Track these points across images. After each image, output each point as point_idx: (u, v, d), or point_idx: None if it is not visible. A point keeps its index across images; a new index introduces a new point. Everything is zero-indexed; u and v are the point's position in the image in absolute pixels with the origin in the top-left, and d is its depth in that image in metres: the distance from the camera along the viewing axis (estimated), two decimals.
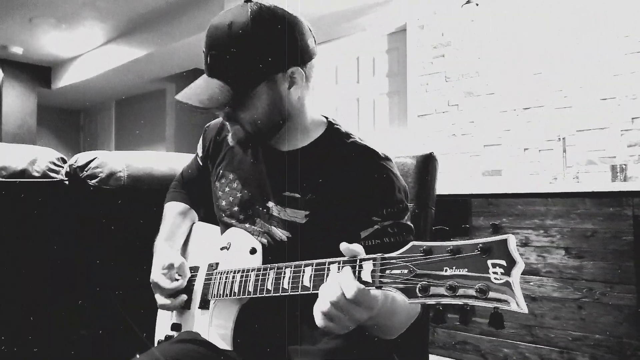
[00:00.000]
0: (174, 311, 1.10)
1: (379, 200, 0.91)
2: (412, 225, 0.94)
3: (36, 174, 1.25)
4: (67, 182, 1.32)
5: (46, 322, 1.28)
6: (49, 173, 1.28)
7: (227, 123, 0.96)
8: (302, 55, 0.93)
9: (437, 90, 3.62)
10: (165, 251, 1.09)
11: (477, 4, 3.36)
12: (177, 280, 1.04)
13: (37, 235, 1.26)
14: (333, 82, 4.48)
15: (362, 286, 0.68)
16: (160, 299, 1.04)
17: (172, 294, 1.04)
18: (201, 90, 0.90)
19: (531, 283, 2.41)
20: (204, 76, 0.92)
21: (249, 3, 0.90)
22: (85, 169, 1.34)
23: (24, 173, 1.23)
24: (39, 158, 1.27)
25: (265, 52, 0.88)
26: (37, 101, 6.67)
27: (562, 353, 2.31)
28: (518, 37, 3.25)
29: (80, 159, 1.36)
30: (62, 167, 1.33)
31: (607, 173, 2.81)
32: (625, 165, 2.67)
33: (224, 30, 0.88)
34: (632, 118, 2.83)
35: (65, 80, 6.48)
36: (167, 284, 1.02)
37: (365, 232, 0.90)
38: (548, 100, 3.11)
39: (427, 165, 1.30)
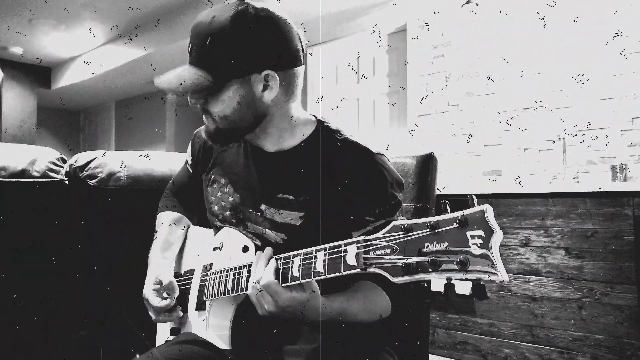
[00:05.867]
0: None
1: (371, 199, 0.91)
2: (404, 219, 0.93)
3: (36, 174, 1.25)
4: (67, 182, 1.32)
5: (46, 322, 1.28)
6: (49, 173, 1.28)
7: (203, 116, 0.98)
8: (280, 61, 0.92)
9: (437, 90, 3.62)
10: (158, 265, 1.09)
11: (477, 4, 3.36)
12: (166, 299, 1.03)
13: (37, 235, 1.26)
14: (333, 82, 4.48)
15: (273, 280, 0.79)
16: (151, 314, 1.04)
17: (161, 311, 1.03)
18: (177, 77, 0.91)
19: (532, 283, 2.41)
20: (185, 65, 0.94)
21: (236, 2, 0.91)
22: (85, 169, 1.34)
23: (24, 173, 1.23)
24: (39, 158, 1.27)
25: (240, 51, 0.89)
26: (36, 102, 6.67)
27: (562, 353, 2.31)
28: (518, 37, 3.25)
29: (80, 159, 1.36)
30: (62, 167, 1.33)
31: (607, 173, 2.81)
32: (625, 165, 2.67)
33: (205, 24, 0.90)
34: (632, 118, 2.83)
35: (65, 80, 6.48)
36: (156, 302, 1.02)
37: (357, 233, 0.90)
38: (548, 100, 3.11)
39: (427, 165, 1.29)
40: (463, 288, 2.56)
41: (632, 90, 2.83)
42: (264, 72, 0.90)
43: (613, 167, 2.67)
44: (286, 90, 0.95)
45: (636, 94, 2.81)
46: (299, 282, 0.79)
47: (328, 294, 0.85)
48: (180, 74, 0.91)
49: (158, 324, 1.16)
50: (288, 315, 0.82)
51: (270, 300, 0.80)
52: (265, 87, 0.92)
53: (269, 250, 0.85)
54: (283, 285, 0.80)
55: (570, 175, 2.97)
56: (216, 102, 0.92)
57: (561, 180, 2.94)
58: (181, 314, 1.04)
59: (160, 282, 1.03)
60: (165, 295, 1.03)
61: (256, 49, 0.89)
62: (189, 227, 1.22)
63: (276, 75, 0.91)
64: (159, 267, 1.08)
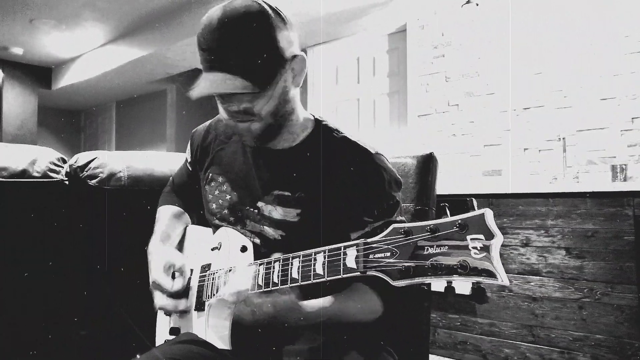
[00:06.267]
0: (172, 315, 1.09)
1: (370, 200, 0.91)
2: (403, 219, 0.94)
3: (36, 174, 1.25)
4: (67, 182, 1.32)
5: (46, 322, 1.28)
6: (49, 173, 1.28)
7: (239, 123, 0.92)
8: (297, 46, 0.93)
9: (437, 90, 3.62)
10: (164, 251, 1.08)
11: (477, 4, 3.36)
12: (179, 280, 1.02)
13: (37, 235, 1.26)
14: (333, 82, 4.48)
15: (247, 289, 0.81)
16: (161, 300, 1.01)
17: (173, 294, 1.02)
18: (219, 81, 0.85)
19: (532, 283, 2.41)
20: (212, 73, 0.86)
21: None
22: (86, 169, 1.34)
23: (24, 173, 1.23)
24: (39, 158, 1.27)
25: (280, 37, 0.88)
26: (37, 102, 6.67)
27: (562, 353, 2.31)
28: (518, 37, 3.25)
29: (80, 159, 1.36)
30: (62, 167, 1.33)
31: (607, 173, 2.81)
32: (625, 165, 2.66)
33: (238, 17, 0.84)
34: (632, 118, 2.83)
35: (65, 80, 6.48)
36: (168, 283, 1.00)
37: (356, 234, 0.90)
38: (548, 100, 3.11)
39: (427, 165, 1.29)
40: (463, 288, 2.55)
41: (632, 90, 2.82)
42: (296, 55, 0.91)
43: (613, 167, 2.67)
44: (296, 78, 0.95)
45: (636, 94, 2.81)
46: (276, 287, 0.80)
47: (311, 296, 0.86)
48: (221, 79, 0.85)
49: (157, 323, 1.16)
50: (268, 322, 0.83)
51: (249, 310, 0.82)
52: (294, 73, 0.92)
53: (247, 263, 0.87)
54: (262, 291, 0.81)
55: (570, 175, 2.97)
56: (265, 99, 0.89)
57: (561, 180, 2.94)
58: (187, 302, 1.02)
59: (173, 265, 1.02)
60: (177, 275, 1.02)
61: (288, 34, 0.90)
62: (187, 225, 1.22)
63: (304, 56, 0.92)
64: (167, 251, 1.06)
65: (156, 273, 1.02)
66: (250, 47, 0.85)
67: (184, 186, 1.23)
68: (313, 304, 0.86)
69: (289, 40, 0.90)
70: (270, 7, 0.89)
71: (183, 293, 1.03)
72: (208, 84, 0.85)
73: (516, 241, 2.46)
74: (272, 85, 0.88)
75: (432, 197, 1.31)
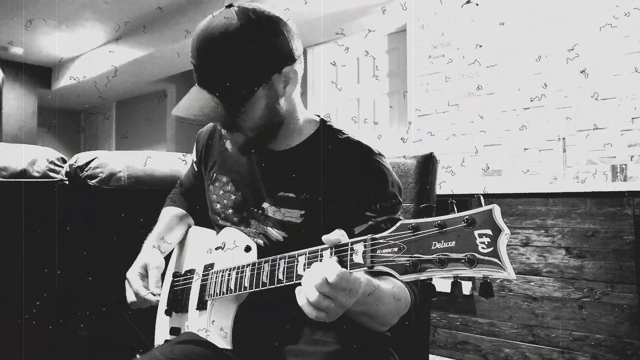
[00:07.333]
0: (172, 315, 1.09)
1: (373, 195, 0.91)
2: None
3: (36, 174, 1.25)
4: (67, 182, 1.32)
5: (46, 323, 1.28)
6: (49, 173, 1.28)
7: (225, 132, 0.95)
8: (291, 54, 0.91)
9: (437, 90, 3.62)
10: (149, 252, 1.08)
11: (477, 4, 3.36)
12: (146, 284, 1.01)
13: (37, 235, 1.26)
14: (333, 82, 4.48)
15: (343, 269, 0.69)
16: (130, 296, 1.02)
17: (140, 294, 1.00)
18: (196, 103, 0.88)
19: (532, 283, 2.41)
20: (197, 87, 0.90)
21: (232, 7, 0.88)
22: (86, 169, 1.34)
23: (24, 173, 1.23)
24: (39, 158, 1.27)
25: (260, 55, 0.87)
26: (37, 102, 6.67)
27: (563, 353, 2.31)
28: (518, 37, 3.25)
29: (80, 159, 1.36)
30: (62, 167, 1.33)
31: (607, 173, 2.81)
32: (625, 165, 2.66)
33: (213, 39, 0.85)
34: (632, 118, 2.83)
35: (65, 80, 6.48)
36: (137, 282, 1.00)
37: (359, 228, 0.90)
38: (548, 100, 3.11)
39: (427, 165, 1.29)
40: (463, 288, 2.55)
41: (632, 90, 2.82)
42: (284, 70, 0.90)
43: (613, 167, 2.67)
44: (296, 82, 0.96)
45: (636, 94, 2.81)
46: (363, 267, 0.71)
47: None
48: (198, 101, 0.88)
49: (157, 323, 1.16)
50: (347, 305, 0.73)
51: (344, 293, 0.70)
52: (286, 83, 0.92)
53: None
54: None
55: (570, 175, 2.97)
56: (244, 116, 0.90)
57: (561, 180, 2.94)
58: (154, 299, 1.00)
59: (147, 266, 1.02)
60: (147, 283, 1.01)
61: (272, 48, 0.88)
62: (190, 226, 1.22)
63: (295, 68, 0.92)
64: (149, 254, 1.07)
65: (131, 270, 1.04)
66: (222, 69, 0.86)
67: (191, 187, 1.24)
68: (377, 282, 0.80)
69: (277, 50, 0.89)
70: (259, 15, 0.87)
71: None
72: (183, 105, 0.90)
73: (516, 241, 2.46)
74: (248, 104, 0.89)
75: (432, 197, 1.31)
